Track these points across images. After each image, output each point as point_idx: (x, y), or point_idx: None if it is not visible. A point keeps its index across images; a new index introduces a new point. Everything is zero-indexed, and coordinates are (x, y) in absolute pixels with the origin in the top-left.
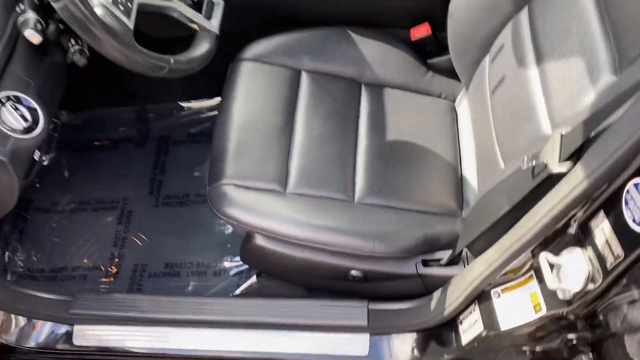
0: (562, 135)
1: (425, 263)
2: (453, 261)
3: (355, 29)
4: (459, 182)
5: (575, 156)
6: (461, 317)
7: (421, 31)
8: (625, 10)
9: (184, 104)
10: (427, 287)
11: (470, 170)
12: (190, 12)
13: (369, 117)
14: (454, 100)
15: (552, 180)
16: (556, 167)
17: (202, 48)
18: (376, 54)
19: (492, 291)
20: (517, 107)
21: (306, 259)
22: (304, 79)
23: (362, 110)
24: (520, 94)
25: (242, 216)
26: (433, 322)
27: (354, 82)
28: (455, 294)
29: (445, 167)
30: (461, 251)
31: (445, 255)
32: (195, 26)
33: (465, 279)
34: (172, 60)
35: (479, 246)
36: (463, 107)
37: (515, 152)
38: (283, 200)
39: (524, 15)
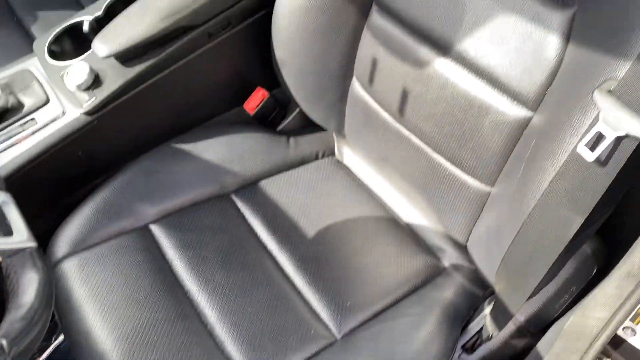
0: (610, 91)
1: (471, 348)
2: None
3: (180, 139)
4: (417, 234)
5: None
6: None
7: (256, 100)
8: None
9: None
10: None
11: (415, 215)
12: None
13: (267, 227)
14: (332, 154)
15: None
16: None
17: (29, 286)
18: (224, 155)
19: (621, 330)
20: (455, 108)
21: None
22: (158, 232)
23: (252, 222)
24: (453, 92)
25: None
26: None
27: (220, 197)
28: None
29: (389, 229)
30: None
31: (478, 322)
32: None
33: (581, 336)
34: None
35: (539, 288)
36: (348, 154)
37: (486, 157)
38: None
39: (377, 17)
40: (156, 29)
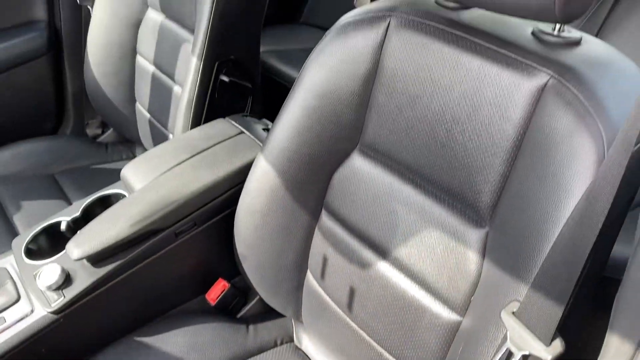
0: (514, 312)
1: None
2: None
3: (143, 332)
4: None
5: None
6: None
7: (217, 291)
8: None
9: None
10: None
11: None
12: None
13: None
14: (291, 340)
15: None
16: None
17: None
18: (185, 347)
19: None
20: (396, 307)
21: None
22: None
23: None
24: (393, 293)
25: None
26: None
27: None
28: None
29: None
30: None
31: None
32: None
33: None
34: None
35: None
36: (306, 341)
37: (425, 356)
38: None
39: (325, 219)
40: (126, 233)
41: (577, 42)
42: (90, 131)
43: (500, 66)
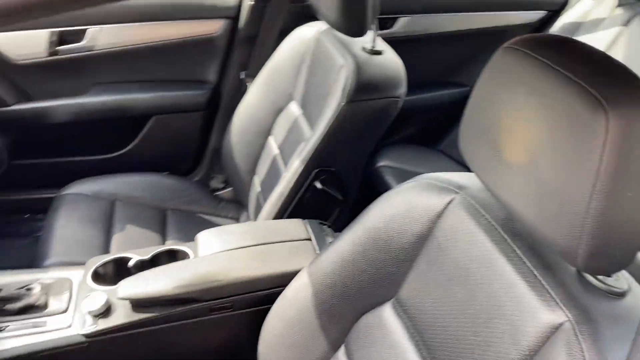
0: None
1: None
2: None
3: None
4: None
5: None
6: None
7: None
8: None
9: None
10: None
11: None
12: None
13: None
14: None
15: None
16: None
17: None
18: None
19: None
20: None
21: None
22: None
23: None
24: None
25: None
26: None
27: None
28: None
29: None
30: None
31: None
32: None
33: None
34: None
35: None
36: None
37: None
38: None
39: (341, 355)
40: (167, 292)
41: (620, 294)
42: (213, 184)
43: (527, 284)
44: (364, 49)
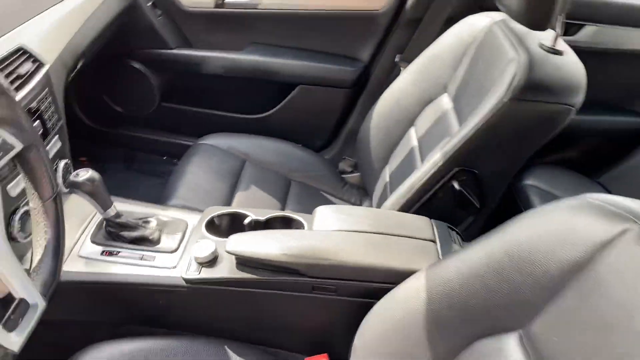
0: None
1: None
2: None
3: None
4: None
5: None
6: None
7: None
8: None
9: None
10: None
11: None
12: None
13: None
14: None
15: None
16: None
17: None
18: None
19: None
20: None
21: None
22: None
23: None
24: None
25: None
26: None
27: None
28: None
29: None
30: None
31: None
32: None
33: None
34: None
35: None
36: None
37: None
38: None
39: None
40: (273, 257)
41: None
42: (342, 165)
43: None
44: (541, 45)
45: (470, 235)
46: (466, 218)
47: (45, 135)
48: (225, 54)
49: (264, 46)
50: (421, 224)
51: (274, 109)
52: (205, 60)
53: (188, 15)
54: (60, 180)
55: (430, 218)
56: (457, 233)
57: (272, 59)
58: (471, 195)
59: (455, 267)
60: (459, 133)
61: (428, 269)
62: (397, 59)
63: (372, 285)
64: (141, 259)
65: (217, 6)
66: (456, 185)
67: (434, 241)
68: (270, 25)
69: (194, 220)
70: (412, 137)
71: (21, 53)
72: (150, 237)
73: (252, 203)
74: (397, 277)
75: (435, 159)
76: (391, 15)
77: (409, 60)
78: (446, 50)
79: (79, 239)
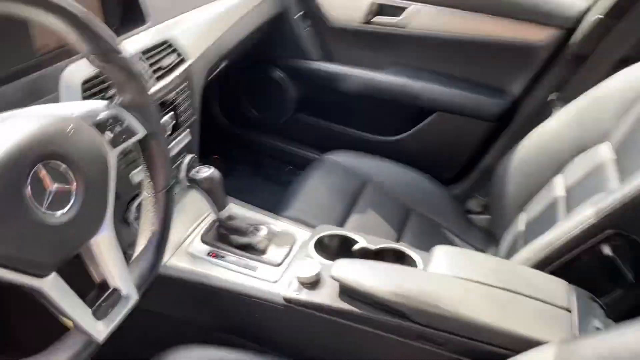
0: None
1: None
2: None
3: None
4: None
5: None
6: None
7: None
8: None
9: None
10: None
11: None
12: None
13: None
14: None
15: None
16: None
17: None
18: None
19: None
20: None
21: None
22: None
23: None
24: None
25: None
26: None
27: None
28: None
29: None
30: None
31: None
32: (69, 322)
33: None
34: None
35: None
36: None
37: None
38: None
39: None
40: (380, 294)
41: None
42: (470, 205)
43: None
44: None
45: (616, 313)
46: (613, 291)
47: (176, 127)
48: (366, 72)
49: (405, 68)
50: (557, 288)
51: (406, 133)
52: (345, 76)
53: (334, 30)
54: (183, 174)
55: (569, 282)
56: (601, 306)
57: (411, 81)
58: (625, 265)
59: (594, 350)
60: (620, 190)
61: (560, 344)
62: (551, 97)
63: (487, 347)
64: (245, 267)
65: (364, 22)
66: (607, 251)
67: (569, 310)
68: (415, 46)
69: (304, 236)
70: (558, 186)
71: (167, 46)
72: (257, 246)
73: (366, 228)
74: (518, 345)
75: (585, 215)
76: (553, 49)
77: (566, 100)
78: (614, 94)
79: (189, 235)
